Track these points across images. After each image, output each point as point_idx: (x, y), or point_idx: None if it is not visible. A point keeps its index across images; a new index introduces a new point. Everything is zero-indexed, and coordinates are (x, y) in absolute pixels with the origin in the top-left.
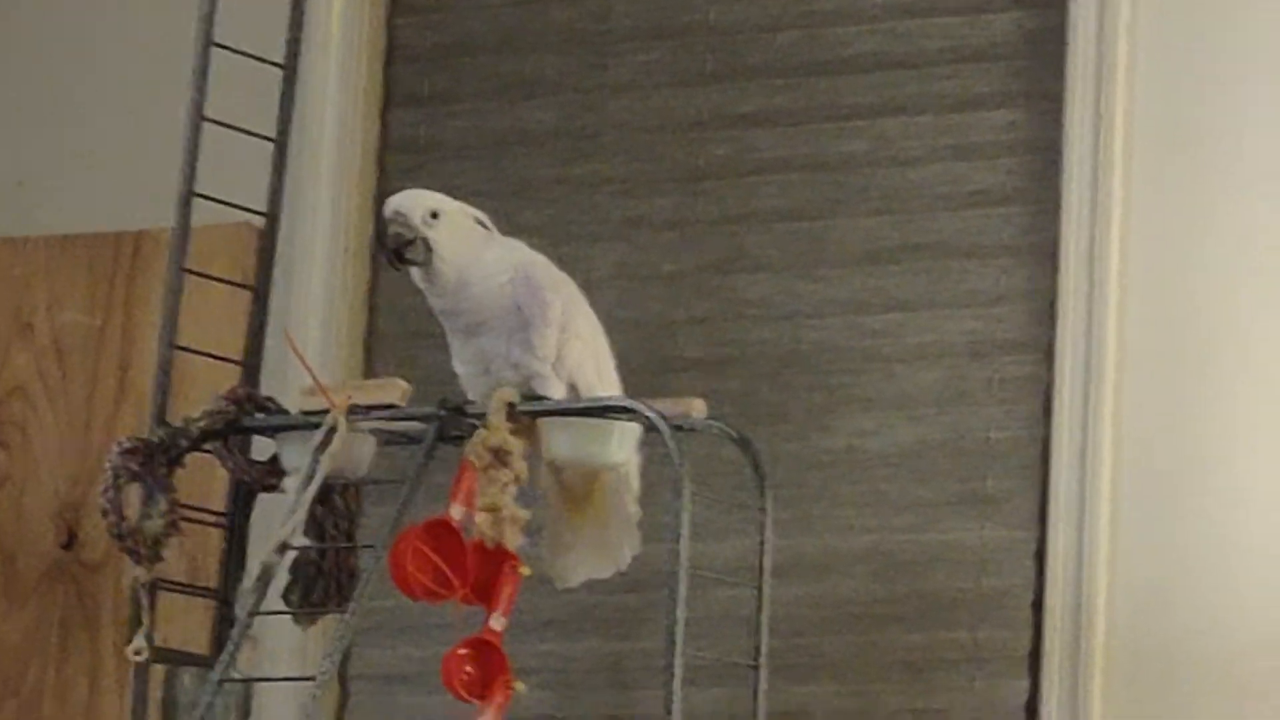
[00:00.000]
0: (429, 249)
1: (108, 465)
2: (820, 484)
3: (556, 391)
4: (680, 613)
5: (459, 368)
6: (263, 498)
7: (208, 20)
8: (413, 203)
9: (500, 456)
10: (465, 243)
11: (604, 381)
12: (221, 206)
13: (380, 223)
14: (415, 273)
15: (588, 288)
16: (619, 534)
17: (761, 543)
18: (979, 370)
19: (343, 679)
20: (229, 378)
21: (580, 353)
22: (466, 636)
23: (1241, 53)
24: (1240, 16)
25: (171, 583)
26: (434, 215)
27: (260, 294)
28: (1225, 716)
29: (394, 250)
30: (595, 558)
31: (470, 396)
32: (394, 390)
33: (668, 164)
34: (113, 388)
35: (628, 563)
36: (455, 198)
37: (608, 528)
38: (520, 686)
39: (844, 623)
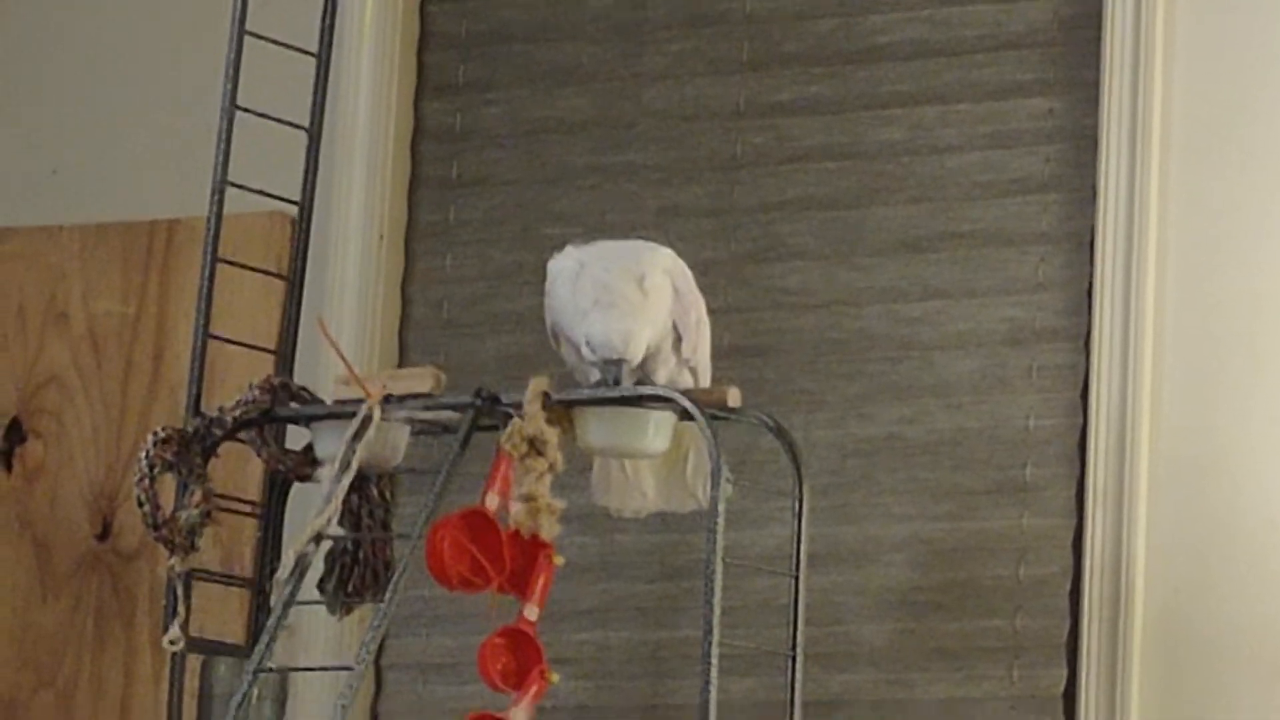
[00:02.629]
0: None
1: (142, 455)
2: (858, 472)
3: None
4: (716, 601)
5: (576, 362)
6: (298, 487)
7: (241, 9)
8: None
9: (536, 445)
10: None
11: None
12: (255, 195)
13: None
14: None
15: None
16: (697, 472)
17: (797, 531)
18: (1017, 358)
19: (378, 668)
20: (263, 367)
21: (704, 338)
22: (502, 626)
23: (1278, 37)
24: (1277, 0)
25: (207, 572)
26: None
27: (294, 283)
28: (1264, 702)
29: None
30: (672, 490)
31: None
32: (428, 379)
33: (704, 152)
34: (147, 377)
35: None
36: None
37: (689, 461)
38: (555, 677)
39: (881, 611)
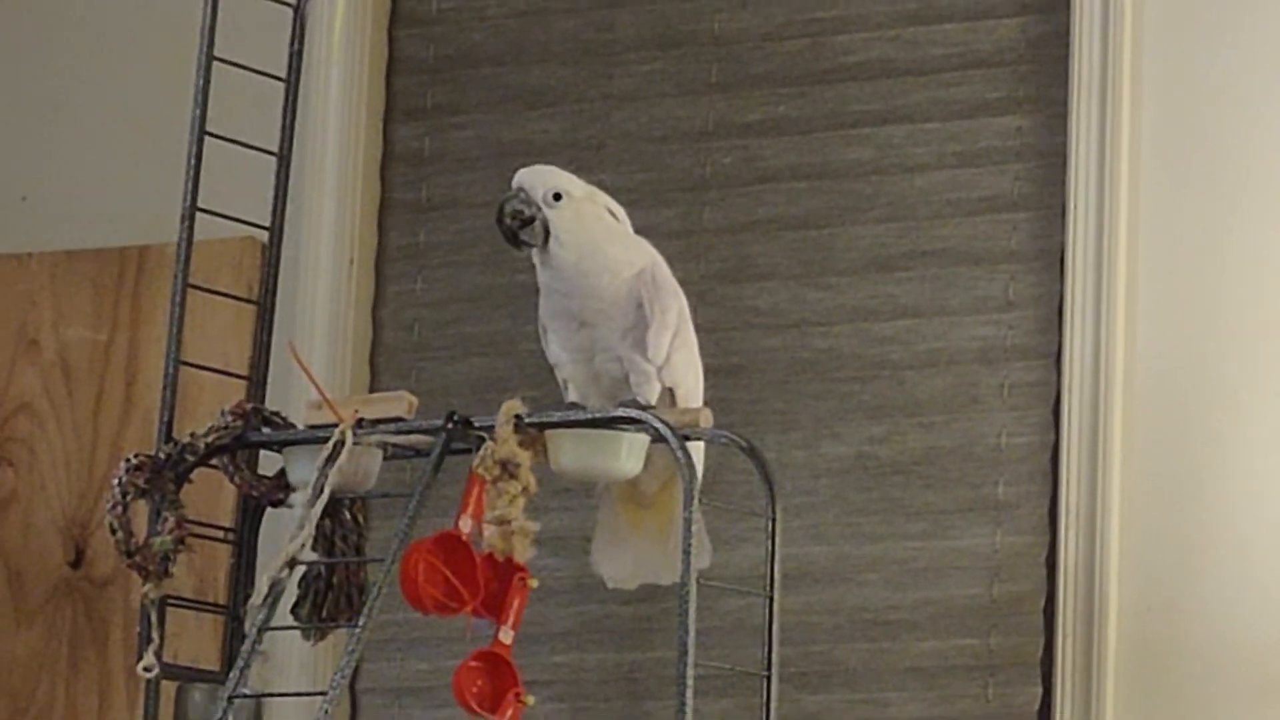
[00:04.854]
0: (547, 231)
1: (115, 482)
2: (830, 492)
3: (654, 395)
4: (691, 623)
5: (559, 353)
6: (271, 512)
7: (209, 35)
8: (537, 180)
9: (509, 468)
10: (588, 231)
11: (697, 394)
12: (225, 221)
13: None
14: (533, 252)
15: None
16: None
17: (771, 551)
18: (989, 376)
19: (353, 693)
20: (235, 392)
21: (685, 361)
22: (476, 649)
23: (1247, 56)
24: (1245, 19)
25: (180, 599)
26: (557, 197)
27: (265, 308)
28: (1238, 718)
29: (510, 229)
30: (657, 563)
31: (569, 384)
32: (401, 403)
33: (673, 174)
34: (119, 404)
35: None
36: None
37: (671, 535)
38: (530, 700)
39: (856, 631)
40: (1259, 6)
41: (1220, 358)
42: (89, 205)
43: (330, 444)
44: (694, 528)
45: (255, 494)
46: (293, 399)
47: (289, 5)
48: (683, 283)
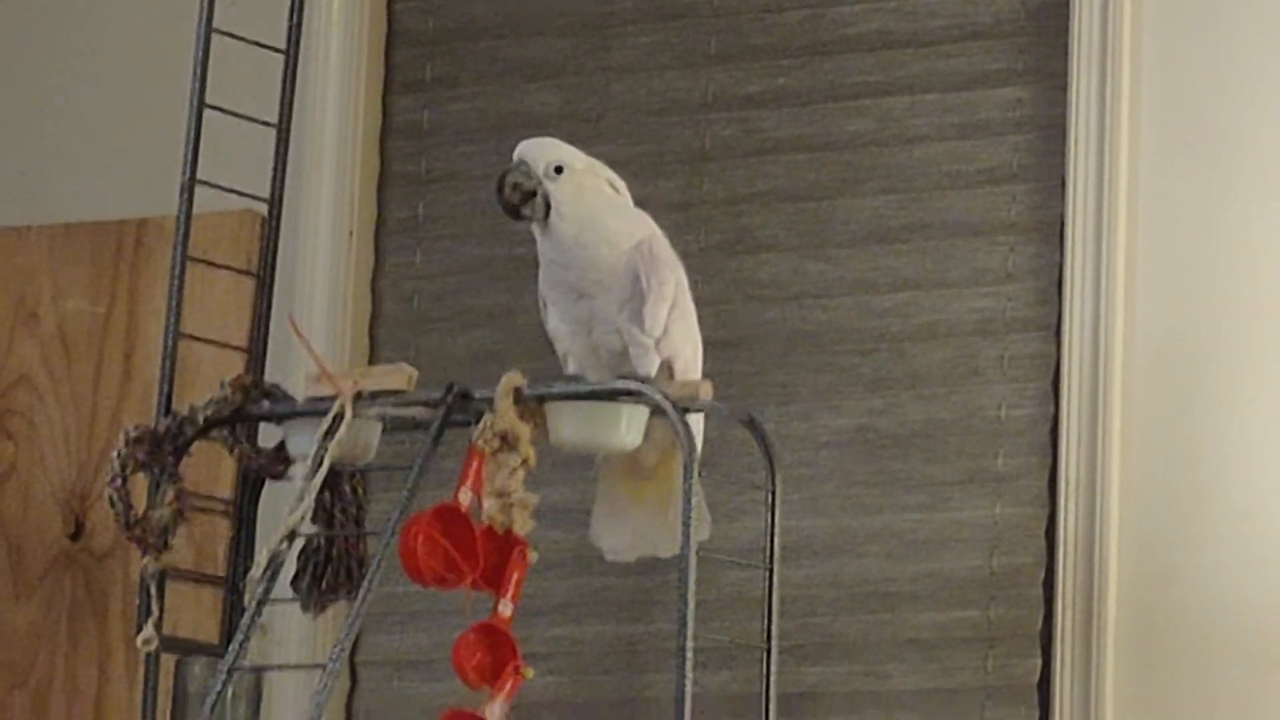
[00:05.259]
0: (547, 204)
1: (114, 454)
2: (830, 464)
3: (653, 367)
4: (691, 595)
5: (559, 325)
6: (270, 485)
7: (208, 7)
8: (539, 152)
9: (508, 441)
10: (588, 204)
11: (696, 366)
12: (224, 193)
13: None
14: (533, 225)
15: None
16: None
17: (770, 523)
18: (988, 348)
19: (352, 666)
20: (234, 365)
21: (684, 333)
22: (476, 622)
23: (1247, 27)
24: None
25: (180, 571)
26: (558, 169)
27: (264, 280)
28: (1237, 690)
29: (511, 201)
30: (656, 535)
31: (569, 356)
32: (400, 376)
33: (673, 145)
34: (118, 376)
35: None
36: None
37: (670, 506)
38: (530, 672)
39: (855, 603)
40: None
41: (1219, 328)
42: (88, 178)
43: (330, 416)
44: (693, 500)
45: (255, 467)
46: (292, 371)
47: None
48: (682, 255)
